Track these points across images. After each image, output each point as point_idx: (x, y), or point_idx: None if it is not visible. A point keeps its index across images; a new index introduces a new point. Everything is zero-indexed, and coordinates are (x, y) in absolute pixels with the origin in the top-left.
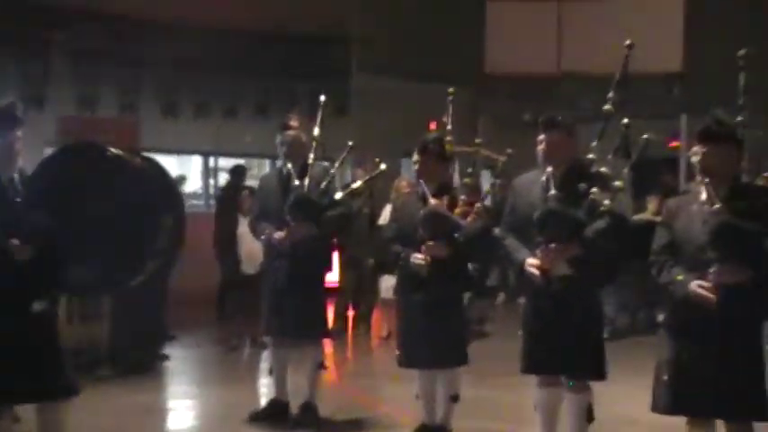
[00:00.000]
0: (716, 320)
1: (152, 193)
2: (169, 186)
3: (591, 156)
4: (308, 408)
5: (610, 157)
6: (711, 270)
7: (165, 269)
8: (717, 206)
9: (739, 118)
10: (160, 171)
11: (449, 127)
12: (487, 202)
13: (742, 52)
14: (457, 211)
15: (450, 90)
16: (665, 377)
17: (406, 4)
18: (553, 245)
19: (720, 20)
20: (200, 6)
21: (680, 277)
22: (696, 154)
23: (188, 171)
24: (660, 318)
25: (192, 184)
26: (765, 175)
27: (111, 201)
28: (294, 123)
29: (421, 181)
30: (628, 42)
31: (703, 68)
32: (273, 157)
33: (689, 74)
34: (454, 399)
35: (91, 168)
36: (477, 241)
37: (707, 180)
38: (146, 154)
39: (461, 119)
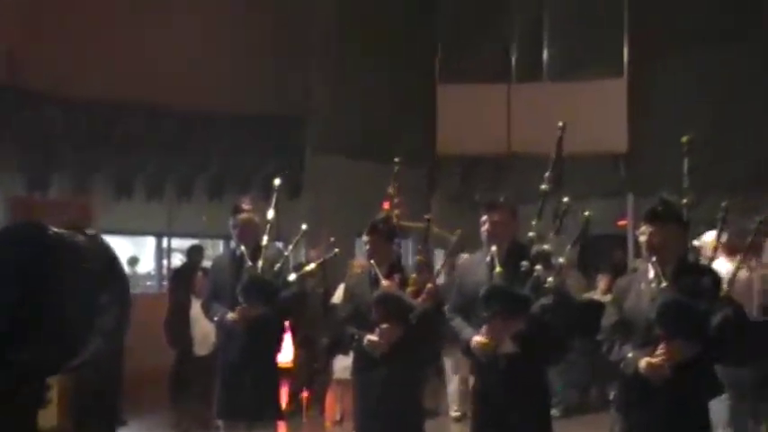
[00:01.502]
0: (665, 397)
1: (93, 273)
2: (113, 265)
3: (531, 234)
4: None
5: (552, 235)
6: (660, 347)
7: (112, 351)
8: (664, 284)
9: (684, 200)
10: (104, 250)
11: (396, 200)
12: (440, 280)
13: (685, 138)
14: (409, 289)
15: (397, 160)
16: None
17: (360, 85)
18: (499, 323)
19: (663, 102)
20: (155, 87)
21: (630, 355)
22: (644, 233)
23: (141, 252)
24: (612, 395)
25: (145, 266)
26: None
27: (49, 280)
28: (246, 206)
29: (372, 262)
30: (561, 123)
31: (648, 149)
32: (228, 238)
33: (634, 154)
34: None
35: (31, 248)
36: (429, 321)
37: (654, 259)
38: (90, 232)
39: (415, 199)
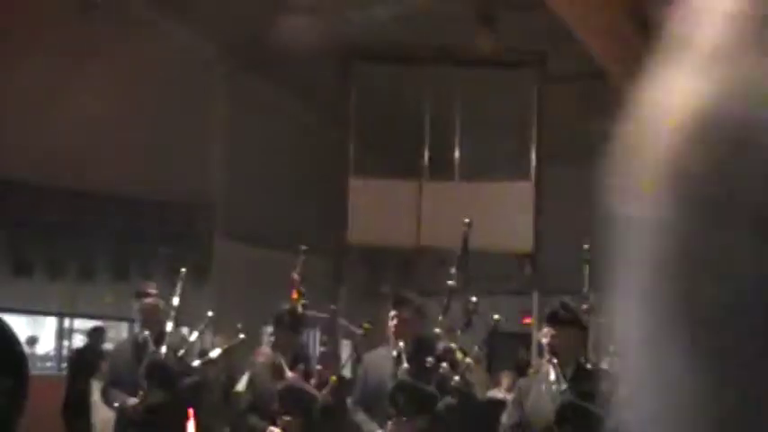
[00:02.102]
0: None
1: None
2: (10, 347)
3: (437, 330)
4: None
5: (458, 332)
6: None
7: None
8: (564, 387)
9: (584, 306)
10: (5, 334)
11: (301, 287)
12: (346, 372)
13: (585, 247)
14: (312, 381)
15: (303, 248)
16: None
17: (269, 173)
18: (404, 419)
19: (567, 206)
20: (57, 167)
21: None
22: (545, 335)
23: (40, 332)
24: None
25: (45, 346)
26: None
27: None
28: (152, 291)
29: (277, 353)
30: (467, 220)
31: (553, 250)
32: (132, 321)
33: (540, 254)
34: None
35: None
36: (331, 414)
37: (555, 360)
38: None
39: (321, 288)
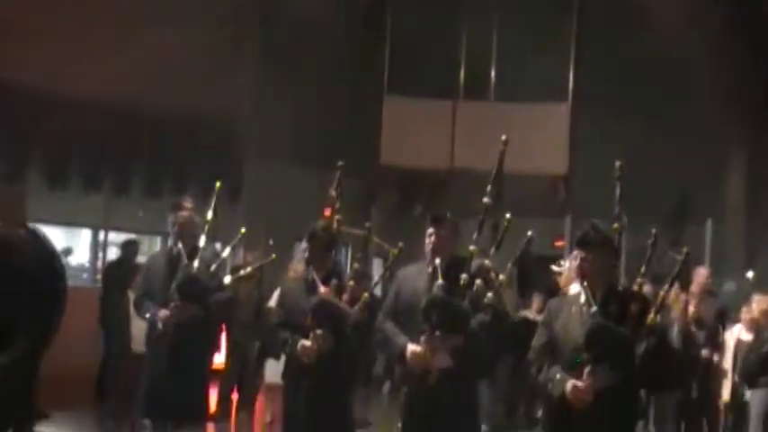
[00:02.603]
0: (589, 421)
1: (31, 266)
2: (51, 260)
3: (472, 248)
4: None
5: (493, 251)
6: (585, 372)
7: (41, 345)
8: (593, 309)
9: (615, 225)
10: (44, 245)
11: (337, 204)
12: (377, 291)
13: (618, 164)
14: (345, 298)
15: (340, 163)
16: None
17: (303, 89)
18: (438, 333)
19: (603, 129)
20: (95, 80)
21: (557, 377)
22: (575, 258)
23: (75, 244)
24: (539, 414)
25: (80, 258)
26: (639, 281)
27: None
28: (187, 204)
29: (310, 268)
30: (504, 138)
31: (587, 173)
32: (165, 236)
33: (574, 177)
34: None
35: None
36: (363, 331)
37: (585, 283)
38: (30, 226)
39: (354, 207)
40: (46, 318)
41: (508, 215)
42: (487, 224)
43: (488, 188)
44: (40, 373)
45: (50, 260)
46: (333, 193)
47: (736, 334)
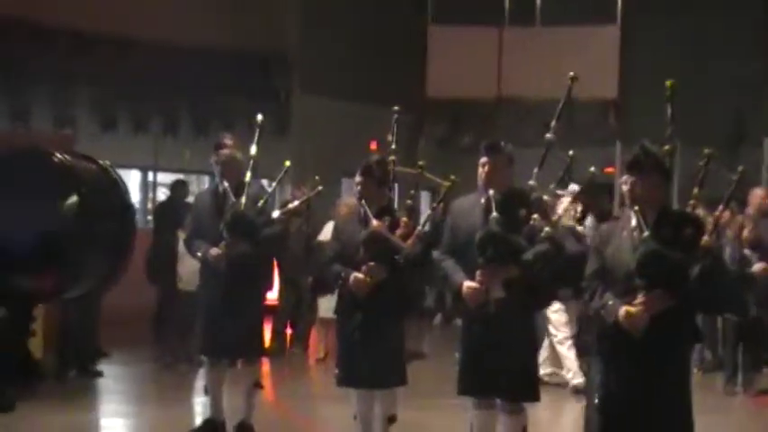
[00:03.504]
0: (644, 346)
1: (99, 202)
2: (120, 195)
3: (532, 182)
4: (244, 427)
5: (552, 186)
6: (639, 297)
7: (106, 285)
8: (645, 234)
9: (666, 147)
10: (112, 179)
11: (393, 146)
12: (427, 225)
13: (668, 83)
14: (398, 233)
15: (395, 108)
16: (596, 401)
17: (347, 25)
18: (493, 266)
19: (654, 52)
20: (140, 22)
21: (610, 303)
22: (626, 183)
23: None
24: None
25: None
26: (691, 203)
27: (53, 208)
28: (228, 142)
29: (363, 202)
30: (572, 74)
31: (638, 97)
32: (212, 174)
33: (624, 102)
34: (392, 420)
35: (32, 175)
36: (416, 264)
37: (636, 208)
38: (104, 163)
39: (402, 141)
40: (117, 250)
41: (571, 152)
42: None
43: (552, 123)
44: (100, 312)
45: (122, 194)
46: (390, 137)
47: None
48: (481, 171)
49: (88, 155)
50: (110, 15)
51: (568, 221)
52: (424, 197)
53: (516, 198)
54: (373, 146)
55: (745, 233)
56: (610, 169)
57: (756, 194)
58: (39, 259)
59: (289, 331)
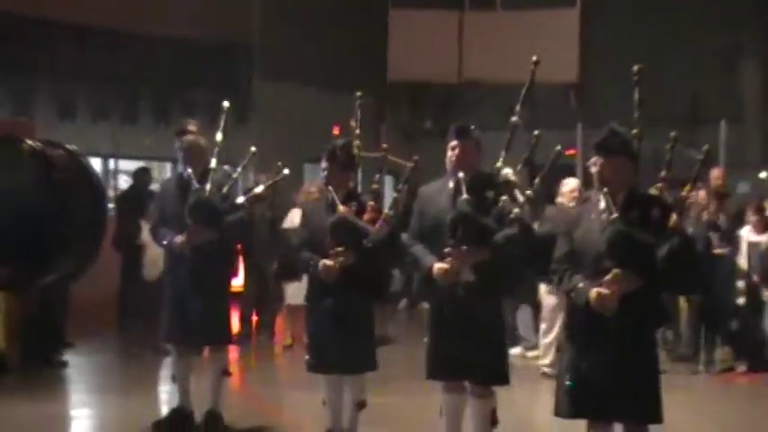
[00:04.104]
0: (613, 327)
1: (71, 187)
2: (91, 181)
3: (499, 165)
4: (213, 415)
5: (518, 167)
6: (608, 277)
7: (76, 273)
8: (614, 215)
9: (634, 131)
10: (82, 165)
11: (357, 131)
12: (392, 208)
13: (636, 68)
14: (365, 217)
15: (359, 94)
16: (568, 381)
17: (308, 10)
18: (464, 247)
19: (614, 34)
20: (100, 9)
21: (580, 285)
22: (594, 165)
23: None
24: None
25: None
26: (658, 185)
27: (25, 193)
28: (192, 128)
29: (329, 188)
30: (535, 58)
31: (598, 80)
32: (174, 161)
33: (585, 85)
34: (361, 405)
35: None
36: (384, 248)
37: (605, 190)
38: (71, 147)
39: (364, 126)
40: (89, 237)
41: (537, 132)
42: (504, 139)
43: (517, 107)
44: (68, 302)
45: (91, 179)
46: (353, 123)
47: (745, 236)
48: (451, 154)
49: (57, 141)
50: (68, 3)
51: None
52: (388, 181)
53: (484, 180)
54: (336, 131)
55: (705, 214)
56: (571, 151)
57: (713, 174)
58: (14, 245)
59: (254, 318)
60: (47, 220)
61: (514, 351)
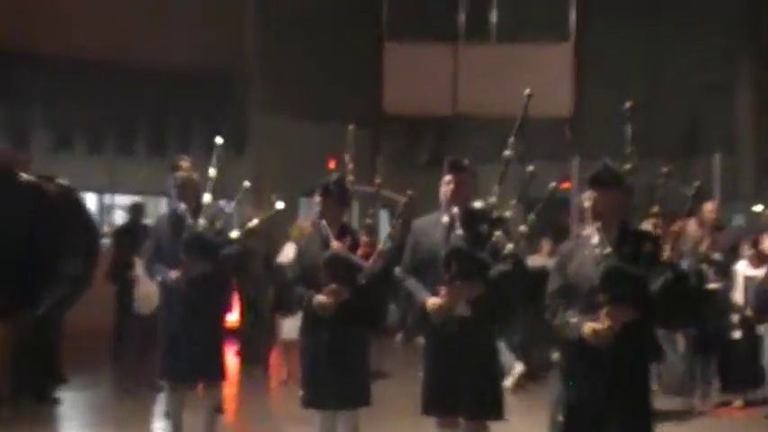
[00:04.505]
0: (607, 361)
1: (62, 219)
2: (84, 214)
3: (492, 199)
4: None
5: (513, 202)
6: (603, 313)
7: (68, 302)
8: (608, 250)
9: (627, 166)
10: (74, 198)
11: (350, 166)
12: (387, 243)
13: (627, 105)
14: (359, 252)
15: (351, 127)
16: (560, 417)
17: (304, 43)
18: (458, 283)
19: (607, 68)
20: (98, 41)
21: (573, 320)
22: (588, 199)
23: None
24: (555, 357)
25: None
26: (651, 220)
27: (17, 224)
28: (184, 164)
29: (323, 223)
30: (528, 91)
31: (592, 113)
32: (170, 196)
33: (579, 118)
34: None
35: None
36: (378, 282)
37: (598, 224)
38: (62, 181)
39: (359, 158)
40: (82, 266)
41: (531, 167)
42: (499, 174)
43: (510, 140)
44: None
45: (83, 213)
46: (347, 157)
47: (741, 270)
48: (446, 189)
49: (48, 175)
50: (65, 36)
51: None
52: (384, 215)
53: (479, 215)
54: (331, 164)
55: (702, 247)
56: (566, 184)
57: (705, 208)
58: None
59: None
60: (38, 250)
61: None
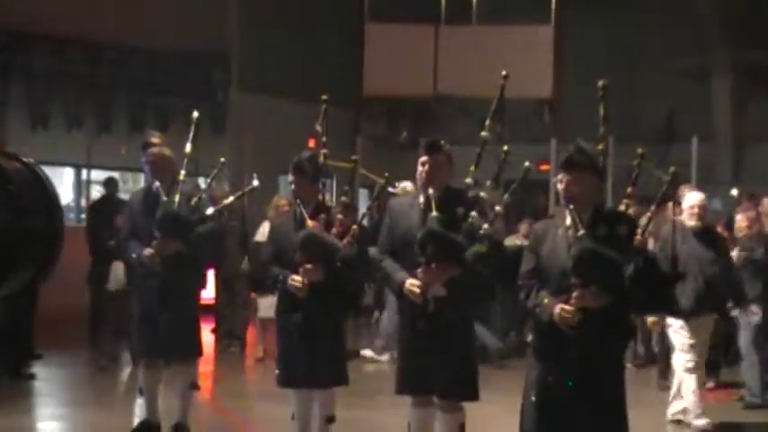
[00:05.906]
0: (578, 343)
1: (26, 199)
2: (47, 193)
3: (469, 180)
4: (180, 428)
5: (488, 182)
6: (574, 294)
7: (37, 282)
8: (581, 232)
9: (600, 147)
10: (38, 177)
11: (324, 138)
12: (365, 222)
13: (601, 83)
14: (334, 231)
15: (324, 97)
16: (533, 398)
17: (285, 22)
18: (434, 265)
19: (588, 51)
20: (76, 18)
21: (545, 301)
22: (560, 181)
23: (59, 184)
24: (529, 338)
25: (63, 197)
26: (626, 202)
27: None
28: (155, 140)
29: (298, 202)
30: (504, 73)
31: (572, 95)
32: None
33: (558, 100)
34: (330, 420)
35: None
36: (354, 263)
37: (571, 207)
38: (27, 160)
39: (339, 138)
40: (46, 246)
41: (506, 147)
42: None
43: (487, 122)
44: (36, 312)
45: (47, 191)
46: (318, 127)
47: None
48: (421, 170)
49: (13, 153)
50: (44, 13)
51: None
52: (362, 195)
53: (455, 196)
54: (311, 143)
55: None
56: (545, 166)
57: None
58: None
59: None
60: (1, 231)
61: None
